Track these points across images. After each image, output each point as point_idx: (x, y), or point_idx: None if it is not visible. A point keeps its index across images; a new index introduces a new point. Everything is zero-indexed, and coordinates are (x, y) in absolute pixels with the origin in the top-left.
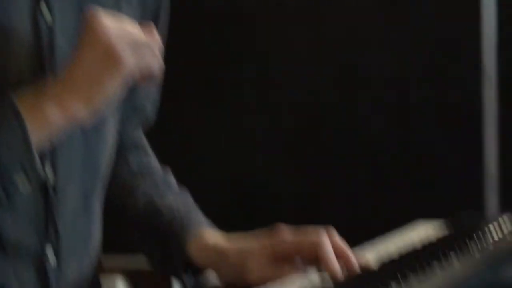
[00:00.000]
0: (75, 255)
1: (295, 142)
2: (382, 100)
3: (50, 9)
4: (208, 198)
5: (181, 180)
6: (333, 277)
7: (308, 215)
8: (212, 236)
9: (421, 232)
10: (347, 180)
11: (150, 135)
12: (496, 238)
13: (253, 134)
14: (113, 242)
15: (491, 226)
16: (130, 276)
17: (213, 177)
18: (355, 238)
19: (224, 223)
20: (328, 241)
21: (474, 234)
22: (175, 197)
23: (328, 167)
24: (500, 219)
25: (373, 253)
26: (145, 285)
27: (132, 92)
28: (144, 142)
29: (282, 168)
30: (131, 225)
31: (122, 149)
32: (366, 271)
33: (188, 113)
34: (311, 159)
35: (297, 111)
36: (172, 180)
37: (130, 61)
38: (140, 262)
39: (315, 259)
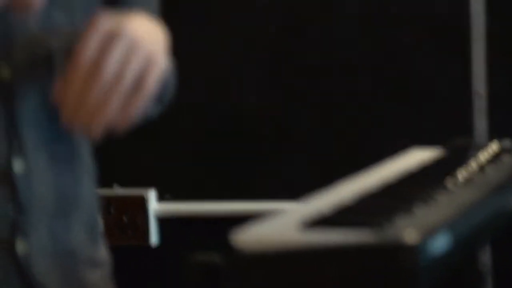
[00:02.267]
0: (44, 166)
1: (272, 62)
2: (361, 15)
3: None
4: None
5: None
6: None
7: (286, 142)
8: None
9: (416, 159)
10: (328, 105)
11: None
12: (489, 163)
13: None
14: None
15: (482, 152)
16: None
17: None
18: (344, 168)
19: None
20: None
21: (469, 160)
22: None
23: (306, 88)
24: (490, 145)
25: (370, 179)
26: None
27: None
28: None
29: (258, 89)
30: None
31: None
32: (367, 196)
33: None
34: (290, 80)
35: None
36: None
37: None
38: None
39: None
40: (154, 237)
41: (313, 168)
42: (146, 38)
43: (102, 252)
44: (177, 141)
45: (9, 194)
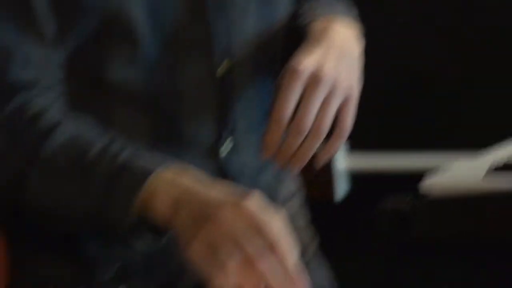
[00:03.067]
0: (253, 138)
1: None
2: None
3: None
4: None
5: None
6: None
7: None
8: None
9: None
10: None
11: None
12: None
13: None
14: None
15: None
16: None
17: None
18: None
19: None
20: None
21: None
22: None
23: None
24: None
25: None
26: None
27: None
28: None
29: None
30: None
31: None
32: None
33: None
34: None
35: None
36: None
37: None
38: None
39: None
40: (340, 189)
41: (495, 122)
42: (345, 72)
43: (290, 186)
44: (366, 96)
45: (217, 170)
